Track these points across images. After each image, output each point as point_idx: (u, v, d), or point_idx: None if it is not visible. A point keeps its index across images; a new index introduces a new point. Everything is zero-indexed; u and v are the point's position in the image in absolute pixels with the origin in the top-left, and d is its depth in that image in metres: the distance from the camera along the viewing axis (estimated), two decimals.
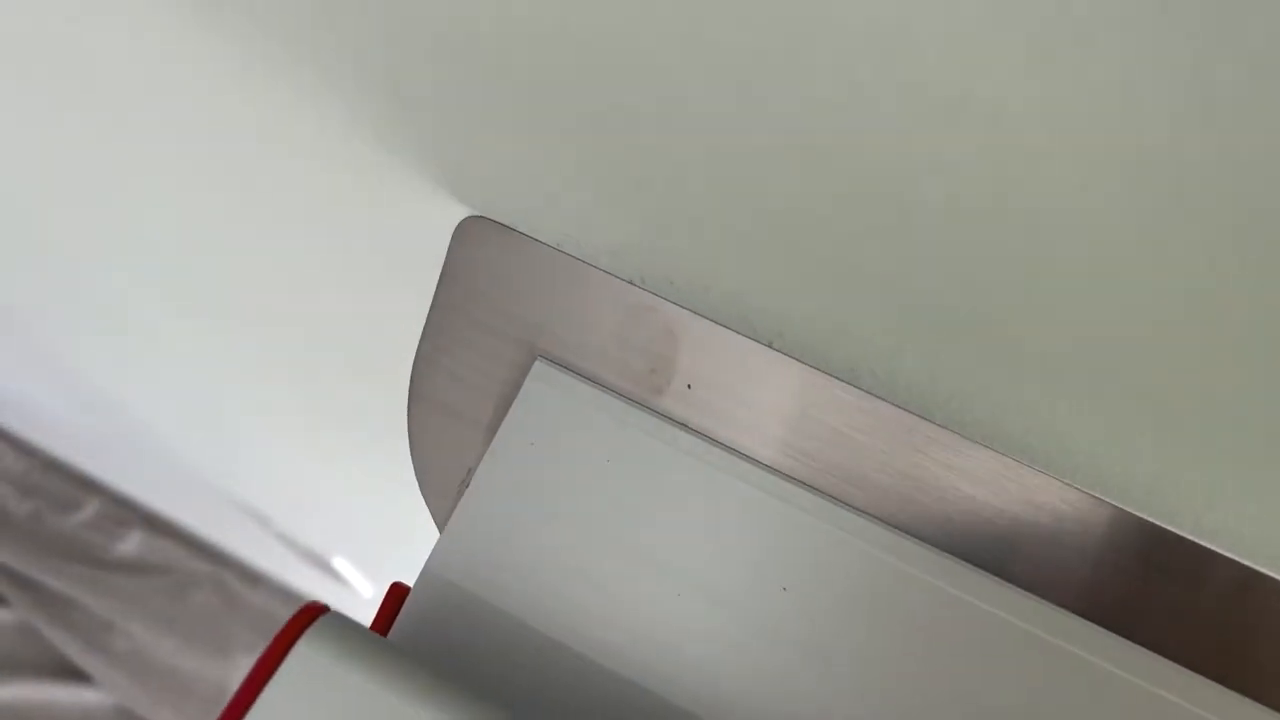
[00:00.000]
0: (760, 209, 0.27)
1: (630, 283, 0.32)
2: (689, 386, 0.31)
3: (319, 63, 0.30)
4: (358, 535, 1.01)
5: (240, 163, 0.39)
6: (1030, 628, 0.28)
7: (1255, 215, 0.18)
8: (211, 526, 1.44)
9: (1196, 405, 0.24)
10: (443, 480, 0.33)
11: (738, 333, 0.31)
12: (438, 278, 0.33)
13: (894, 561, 0.29)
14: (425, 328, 0.33)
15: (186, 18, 0.31)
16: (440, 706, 0.23)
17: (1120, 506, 0.28)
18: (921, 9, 0.18)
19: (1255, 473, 0.25)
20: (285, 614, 1.43)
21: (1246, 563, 0.27)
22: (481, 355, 0.32)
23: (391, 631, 0.30)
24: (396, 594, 0.30)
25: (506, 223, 0.33)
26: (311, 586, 1.37)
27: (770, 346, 0.31)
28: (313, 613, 0.24)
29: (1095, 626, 0.28)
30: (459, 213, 0.33)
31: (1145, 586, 0.28)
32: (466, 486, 0.31)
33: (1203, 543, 0.27)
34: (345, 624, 0.25)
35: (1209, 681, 0.28)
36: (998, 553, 0.29)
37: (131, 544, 1.50)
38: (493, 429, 0.32)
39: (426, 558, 0.30)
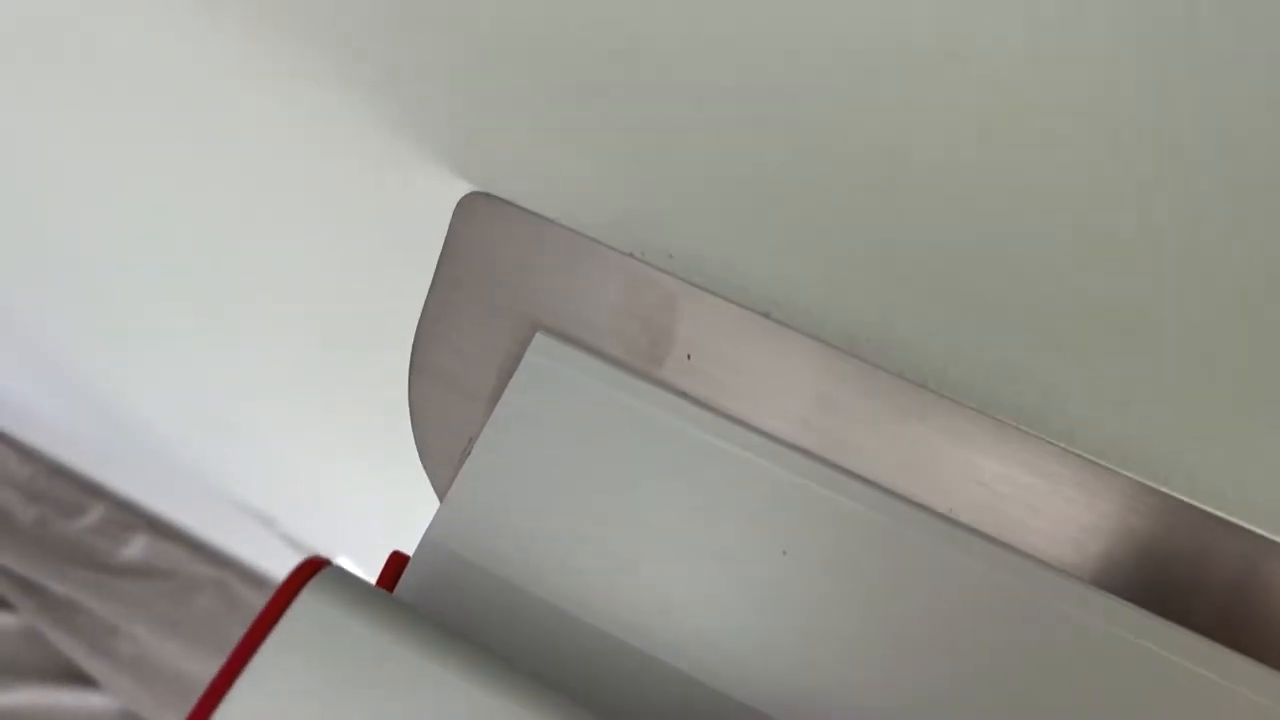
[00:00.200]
0: (754, 179, 0.27)
1: (630, 255, 0.32)
2: (688, 357, 0.31)
3: (319, 43, 0.31)
4: (362, 536, 1.02)
5: (239, 146, 0.40)
6: (1029, 590, 0.29)
7: (1245, 162, 0.19)
8: (215, 529, 1.44)
9: (1196, 365, 0.24)
10: (443, 451, 0.33)
11: (735, 304, 0.31)
12: (439, 255, 0.34)
13: (893, 525, 0.29)
14: (426, 302, 0.33)
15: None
16: (445, 657, 0.24)
17: (1120, 471, 0.29)
18: None
19: (1252, 432, 0.25)
20: None
21: (1235, 519, 0.27)
22: (482, 328, 0.33)
23: None
24: (396, 562, 0.30)
25: (508, 198, 0.33)
26: None
27: (768, 317, 0.31)
28: (315, 566, 0.25)
29: (1094, 588, 0.29)
30: (460, 189, 0.33)
31: (1141, 546, 0.28)
32: (467, 456, 0.31)
33: (1196, 503, 0.28)
34: (349, 578, 0.25)
35: (1212, 643, 0.28)
36: (995, 517, 0.29)
37: (136, 548, 1.50)
38: (494, 400, 0.32)
39: (426, 525, 0.31)
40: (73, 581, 1.46)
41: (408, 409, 0.36)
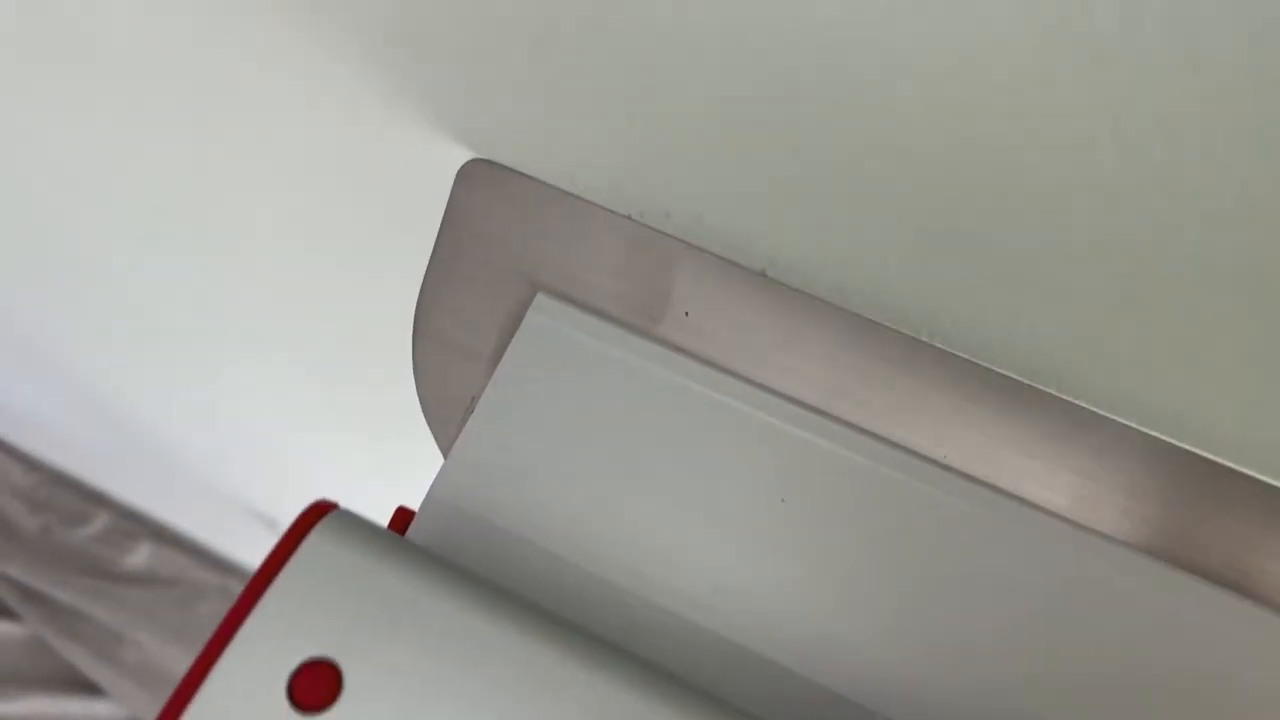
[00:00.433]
0: (746, 138, 0.28)
1: (628, 217, 0.33)
2: (686, 314, 0.32)
3: (317, 13, 0.32)
4: None
5: (239, 125, 0.40)
6: (1024, 534, 0.29)
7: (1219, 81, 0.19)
8: (218, 536, 1.45)
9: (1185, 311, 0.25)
10: (447, 410, 0.33)
11: (731, 261, 0.32)
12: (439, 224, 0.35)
13: (889, 472, 0.30)
14: (428, 267, 0.34)
15: None
16: (459, 594, 0.24)
17: (1111, 417, 0.29)
18: None
19: (1244, 378, 0.26)
20: None
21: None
22: (484, 292, 0.33)
23: None
24: (401, 518, 0.31)
25: (508, 164, 0.34)
26: None
27: (763, 274, 0.32)
28: (322, 509, 0.25)
29: (1094, 533, 0.29)
30: (461, 156, 0.34)
31: (1134, 493, 0.29)
32: (470, 414, 0.32)
33: (1181, 444, 0.28)
34: (358, 520, 0.25)
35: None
36: (991, 466, 0.30)
37: (140, 557, 1.50)
38: (496, 360, 0.33)
39: (431, 482, 0.31)
40: (77, 590, 1.46)
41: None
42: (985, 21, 0.21)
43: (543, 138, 0.32)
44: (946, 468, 0.30)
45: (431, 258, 0.34)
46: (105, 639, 1.46)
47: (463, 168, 0.34)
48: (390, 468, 0.72)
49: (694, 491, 0.30)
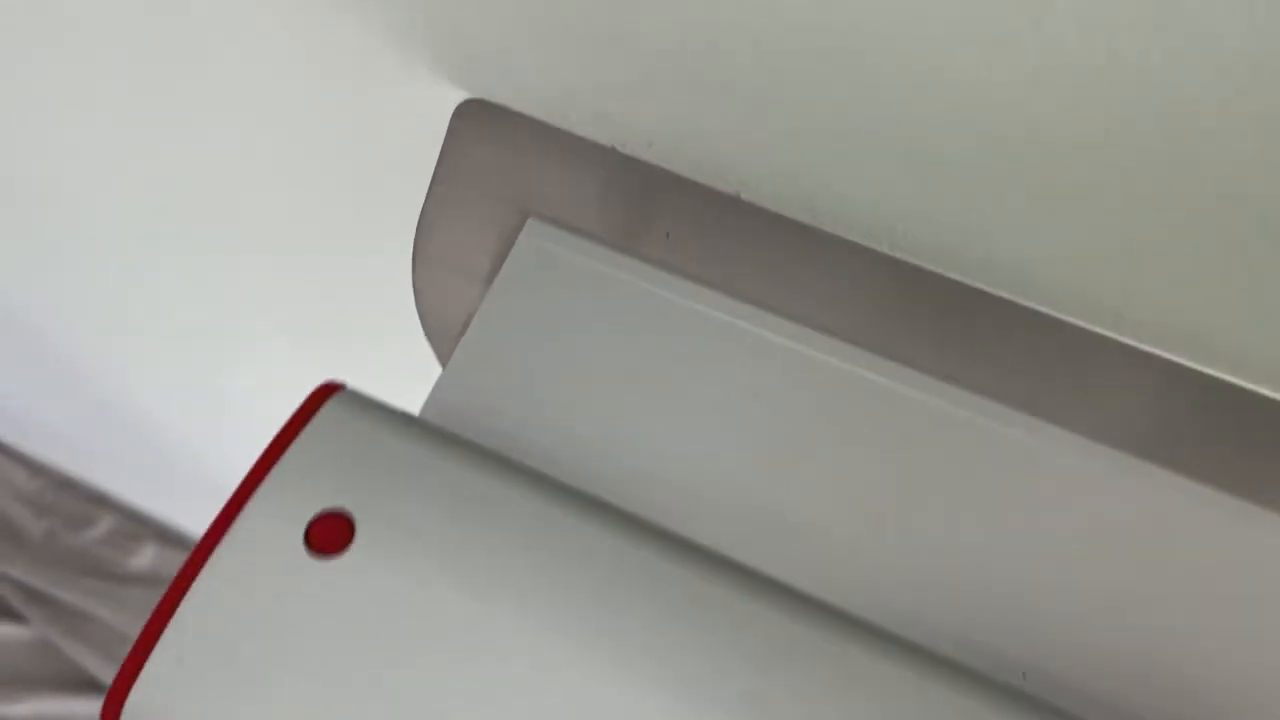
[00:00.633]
0: (720, 71, 0.30)
1: (611, 148, 0.35)
2: (667, 235, 0.35)
3: None
4: None
5: (239, 73, 0.42)
6: (997, 427, 0.31)
7: None
8: None
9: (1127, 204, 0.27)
10: (446, 328, 0.36)
11: (707, 186, 0.34)
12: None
13: (863, 373, 0.32)
14: (426, 198, 0.36)
15: None
16: (466, 457, 0.26)
17: (1072, 321, 0.31)
18: None
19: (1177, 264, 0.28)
20: None
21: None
22: (479, 219, 0.36)
23: None
24: None
25: (500, 103, 0.36)
26: None
27: (738, 197, 0.34)
28: (330, 390, 0.27)
29: (1079, 435, 0.31)
30: (457, 97, 0.37)
31: (1080, 384, 0.32)
32: (467, 329, 0.34)
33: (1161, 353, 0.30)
34: (368, 397, 0.28)
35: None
36: (953, 360, 0.32)
37: (145, 558, 1.52)
38: (490, 280, 0.35)
39: (428, 393, 0.34)
40: (83, 592, 1.48)
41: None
42: None
43: (533, 77, 0.35)
44: (921, 369, 0.32)
45: (429, 189, 0.36)
46: (110, 640, 1.47)
47: (458, 107, 0.37)
48: None
49: (674, 395, 0.33)
